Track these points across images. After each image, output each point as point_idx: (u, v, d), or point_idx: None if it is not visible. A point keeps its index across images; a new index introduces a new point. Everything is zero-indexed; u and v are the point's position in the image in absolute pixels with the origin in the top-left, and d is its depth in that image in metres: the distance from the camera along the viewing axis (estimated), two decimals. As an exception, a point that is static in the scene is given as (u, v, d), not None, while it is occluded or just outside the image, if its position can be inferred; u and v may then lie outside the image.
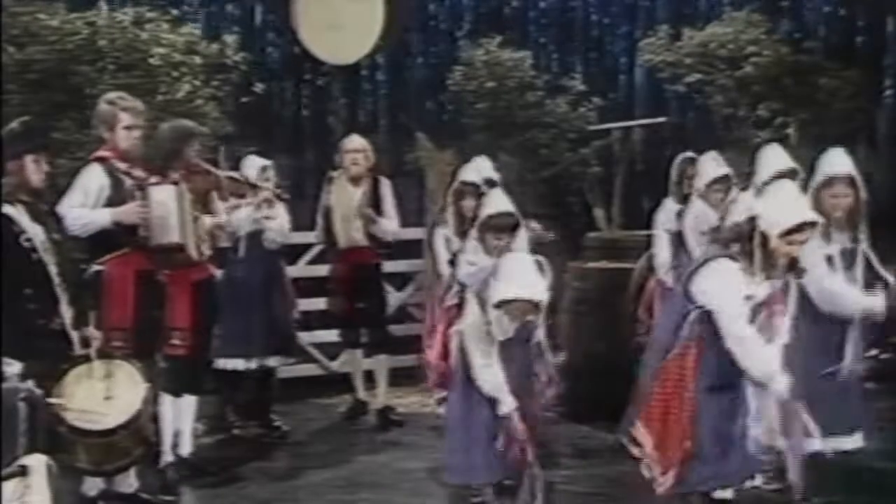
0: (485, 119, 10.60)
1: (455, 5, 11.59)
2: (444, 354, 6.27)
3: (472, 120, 10.66)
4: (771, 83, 10.34)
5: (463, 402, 5.78)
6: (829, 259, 5.88)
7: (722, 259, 5.16)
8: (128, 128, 6.14)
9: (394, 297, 9.02)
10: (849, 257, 5.97)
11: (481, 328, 5.67)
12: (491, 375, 5.65)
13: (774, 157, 6.58)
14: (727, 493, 5.33)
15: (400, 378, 8.31)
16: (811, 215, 5.20)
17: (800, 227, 5.11)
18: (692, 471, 5.17)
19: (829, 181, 5.92)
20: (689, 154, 7.68)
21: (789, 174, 6.23)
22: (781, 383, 5.06)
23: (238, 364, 7.47)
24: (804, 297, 5.78)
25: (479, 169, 7.44)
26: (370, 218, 7.85)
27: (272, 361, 7.69)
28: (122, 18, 9.17)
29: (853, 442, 6.00)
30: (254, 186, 7.37)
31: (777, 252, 5.11)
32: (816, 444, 5.64)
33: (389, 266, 8.53)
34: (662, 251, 7.40)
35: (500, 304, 5.56)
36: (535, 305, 5.59)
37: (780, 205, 5.16)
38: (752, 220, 5.12)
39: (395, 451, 7.40)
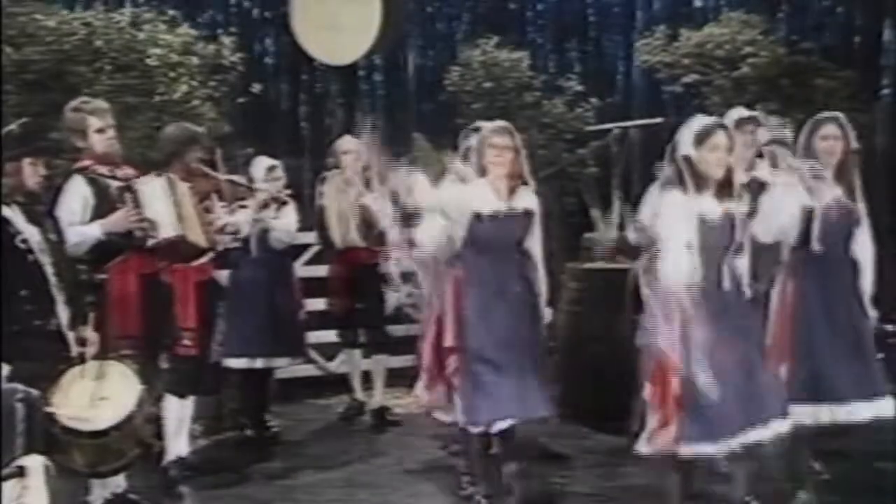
0: (482, 119, 10.56)
1: (452, 6, 11.60)
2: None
3: (468, 120, 10.64)
4: (768, 84, 10.34)
5: None
6: (811, 212, 5.77)
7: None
8: (100, 130, 6.04)
9: (392, 298, 8.99)
10: (842, 213, 5.85)
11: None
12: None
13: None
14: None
15: (397, 378, 8.30)
16: (715, 119, 5.29)
17: (707, 132, 5.19)
18: (685, 424, 5.13)
19: (817, 124, 5.93)
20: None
21: None
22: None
23: (244, 364, 7.46)
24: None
25: None
26: (366, 208, 7.79)
27: (280, 362, 7.70)
28: (119, 19, 9.18)
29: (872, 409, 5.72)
30: (252, 189, 7.31)
31: (704, 167, 5.18)
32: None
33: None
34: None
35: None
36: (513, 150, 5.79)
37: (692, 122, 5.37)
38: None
39: (391, 451, 7.39)
